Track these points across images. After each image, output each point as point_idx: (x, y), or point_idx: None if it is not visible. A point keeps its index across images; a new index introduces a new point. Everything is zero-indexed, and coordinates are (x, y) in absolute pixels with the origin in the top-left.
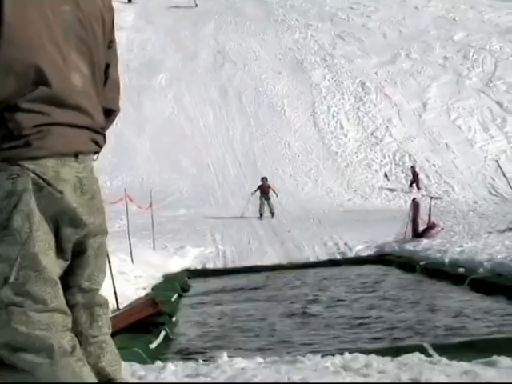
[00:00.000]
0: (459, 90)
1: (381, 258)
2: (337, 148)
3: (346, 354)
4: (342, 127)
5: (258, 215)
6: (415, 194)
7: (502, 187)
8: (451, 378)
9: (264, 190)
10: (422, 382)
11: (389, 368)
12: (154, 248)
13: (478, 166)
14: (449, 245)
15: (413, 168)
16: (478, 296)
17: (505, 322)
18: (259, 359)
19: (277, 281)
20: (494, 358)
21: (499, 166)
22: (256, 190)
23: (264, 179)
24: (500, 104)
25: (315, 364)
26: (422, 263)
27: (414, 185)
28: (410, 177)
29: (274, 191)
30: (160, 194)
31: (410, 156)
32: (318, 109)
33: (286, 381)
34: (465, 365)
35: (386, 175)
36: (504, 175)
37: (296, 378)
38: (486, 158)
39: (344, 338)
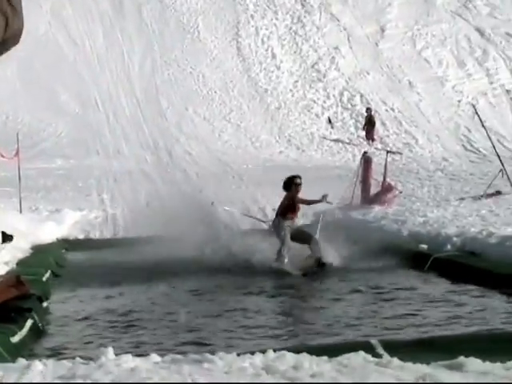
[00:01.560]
0: (428, 11)
1: None
2: (266, 84)
3: (270, 353)
4: (273, 57)
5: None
6: (367, 146)
7: (480, 140)
8: None
9: None
10: None
11: (324, 370)
12: (20, 210)
13: (450, 111)
14: (408, 214)
15: (369, 111)
16: (442, 281)
17: (474, 316)
18: (156, 357)
19: None
20: (461, 359)
21: (476, 112)
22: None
23: None
24: (481, 31)
25: (228, 364)
26: (372, 236)
27: (363, 133)
28: (363, 123)
29: None
30: (30, 138)
31: (361, 96)
32: (242, 31)
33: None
34: (422, 368)
35: (329, 121)
36: (483, 125)
37: (202, 382)
38: (460, 101)
39: (272, 332)
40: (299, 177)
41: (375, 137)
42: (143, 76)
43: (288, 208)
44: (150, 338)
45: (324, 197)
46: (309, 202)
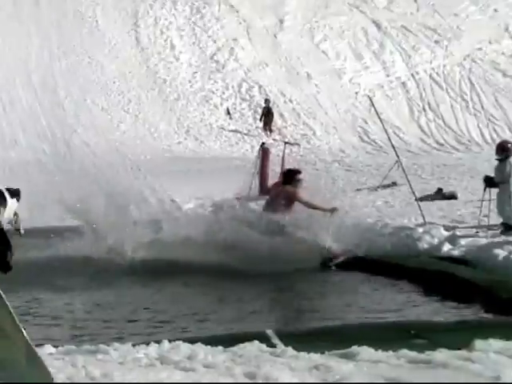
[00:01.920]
0: (326, 3)
1: None
2: (165, 74)
3: (165, 343)
4: (172, 47)
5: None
6: (265, 137)
7: (377, 132)
8: (297, 373)
9: None
10: (260, 377)
11: (219, 360)
12: None
13: (347, 103)
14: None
15: (267, 103)
16: (336, 273)
17: (369, 306)
18: (50, 348)
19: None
20: (354, 348)
21: (373, 104)
22: None
23: None
24: (377, 24)
25: (123, 355)
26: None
27: (261, 124)
28: (261, 114)
29: None
30: None
31: (260, 88)
32: (141, 21)
33: (84, 375)
34: (315, 357)
35: (228, 112)
36: (379, 117)
37: (96, 373)
38: (357, 93)
39: (168, 324)
40: (300, 172)
41: (273, 128)
42: (41, 66)
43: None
44: (41, 330)
45: (334, 210)
46: (315, 207)
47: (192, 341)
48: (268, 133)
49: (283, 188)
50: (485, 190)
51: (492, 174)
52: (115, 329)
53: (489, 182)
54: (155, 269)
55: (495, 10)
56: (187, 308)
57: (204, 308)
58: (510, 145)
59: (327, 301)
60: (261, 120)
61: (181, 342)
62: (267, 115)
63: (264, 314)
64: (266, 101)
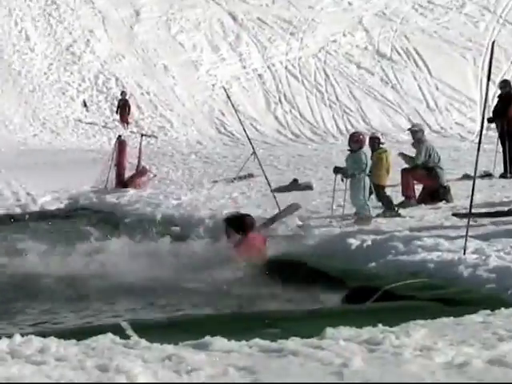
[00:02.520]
0: None
1: (74, 213)
2: (20, 66)
3: (17, 337)
4: (27, 38)
5: None
6: (122, 129)
7: (233, 124)
8: (150, 364)
9: None
10: (112, 369)
11: (70, 353)
12: None
13: (204, 95)
14: (163, 197)
15: (123, 95)
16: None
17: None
18: None
19: None
20: (207, 338)
21: (228, 96)
22: None
23: None
24: (233, 16)
25: None
26: (126, 220)
27: (118, 116)
28: (117, 106)
29: None
30: None
31: (117, 80)
32: None
33: None
34: (168, 348)
35: (84, 104)
36: (235, 109)
37: None
38: (214, 85)
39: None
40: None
41: (130, 120)
42: None
43: None
44: None
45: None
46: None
47: (45, 334)
48: (125, 125)
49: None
50: (342, 180)
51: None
52: None
53: (338, 172)
54: None
55: (349, 3)
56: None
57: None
58: (361, 136)
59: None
60: (117, 112)
61: (33, 336)
62: (124, 107)
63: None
64: (123, 93)
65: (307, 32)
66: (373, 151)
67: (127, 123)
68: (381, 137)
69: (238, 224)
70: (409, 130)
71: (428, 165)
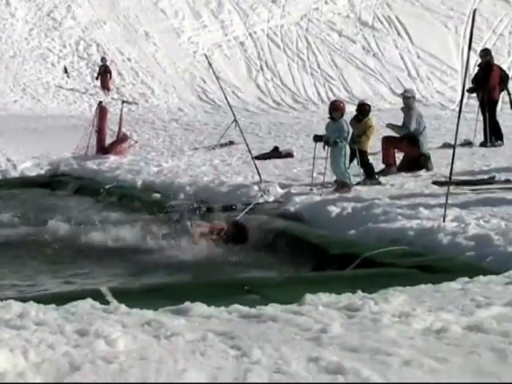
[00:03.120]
0: None
1: (55, 180)
2: (1, 32)
3: None
4: (7, 3)
5: None
6: (103, 96)
7: (215, 91)
8: (129, 329)
9: None
10: (91, 333)
11: (50, 318)
12: None
13: (186, 62)
14: (144, 163)
15: (104, 61)
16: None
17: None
18: None
19: None
20: (186, 304)
21: (210, 64)
22: None
23: None
24: None
25: None
26: (107, 186)
27: (99, 83)
28: (97, 73)
29: None
30: None
31: (98, 46)
32: None
33: None
34: (148, 313)
35: (65, 70)
36: (216, 76)
37: None
38: (195, 52)
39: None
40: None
41: (111, 86)
42: None
43: None
44: None
45: None
46: None
47: (24, 299)
48: (106, 91)
49: None
50: (324, 148)
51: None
52: None
53: (318, 141)
54: None
55: None
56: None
57: None
58: (342, 104)
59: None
60: (97, 79)
61: (12, 301)
62: (104, 74)
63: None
64: (103, 59)
65: None
66: (362, 118)
67: (108, 89)
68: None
69: None
70: (401, 94)
71: (416, 132)
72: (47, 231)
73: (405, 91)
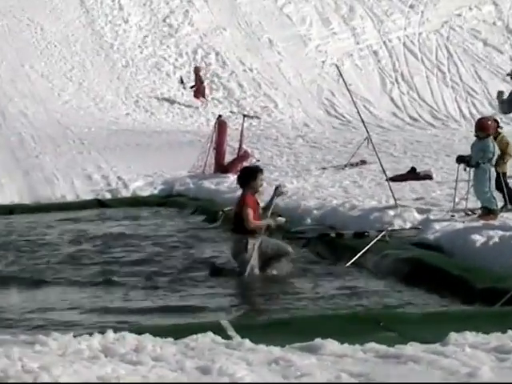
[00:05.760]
0: None
1: (169, 200)
2: (112, 39)
3: (110, 333)
4: (121, 8)
5: None
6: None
7: (344, 105)
8: (255, 367)
9: None
10: (214, 371)
11: (168, 353)
12: None
13: (313, 73)
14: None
15: (196, 69)
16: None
17: (327, 294)
18: None
19: (19, 228)
20: (317, 341)
21: (341, 74)
22: None
23: None
24: None
25: (64, 346)
26: (226, 209)
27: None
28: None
29: None
30: None
31: (217, 55)
32: None
33: (20, 368)
34: (275, 350)
35: (181, 81)
36: (347, 88)
37: (33, 366)
38: (324, 62)
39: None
40: (260, 170)
41: (207, 94)
42: None
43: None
44: None
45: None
46: (257, 226)
47: (139, 331)
48: (203, 100)
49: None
50: (465, 170)
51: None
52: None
53: (462, 162)
54: None
55: None
56: None
57: None
58: (490, 122)
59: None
60: (192, 88)
61: (127, 333)
62: (197, 79)
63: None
64: (196, 68)
65: (429, 5)
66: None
67: (203, 97)
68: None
69: None
70: None
71: None
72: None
73: None
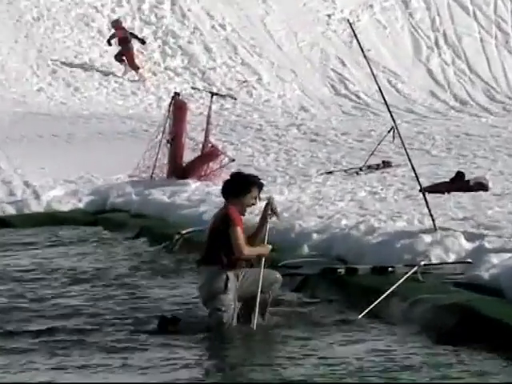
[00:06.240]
0: None
1: (100, 218)
2: None
3: None
4: None
5: None
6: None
7: (360, 81)
8: None
9: None
10: None
11: None
12: None
13: (314, 33)
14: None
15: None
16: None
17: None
18: None
19: None
20: None
21: (355, 34)
22: None
23: None
24: None
25: None
26: (184, 231)
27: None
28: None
29: None
30: None
31: (173, 3)
32: None
33: None
34: None
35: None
36: (364, 55)
37: None
38: (330, 16)
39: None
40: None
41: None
42: None
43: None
44: None
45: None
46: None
47: None
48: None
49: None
50: None
51: None
52: None
53: None
54: None
55: None
56: None
57: None
58: None
59: None
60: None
61: None
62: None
63: None
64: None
65: None
66: None
67: (137, 68)
68: None
69: None
70: None
71: None
72: None
73: None
